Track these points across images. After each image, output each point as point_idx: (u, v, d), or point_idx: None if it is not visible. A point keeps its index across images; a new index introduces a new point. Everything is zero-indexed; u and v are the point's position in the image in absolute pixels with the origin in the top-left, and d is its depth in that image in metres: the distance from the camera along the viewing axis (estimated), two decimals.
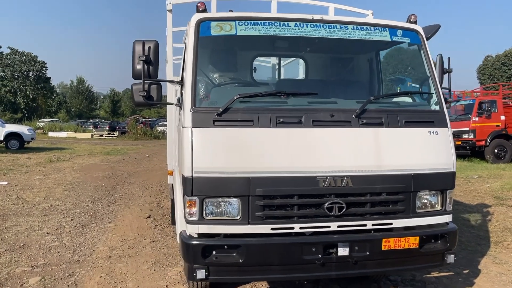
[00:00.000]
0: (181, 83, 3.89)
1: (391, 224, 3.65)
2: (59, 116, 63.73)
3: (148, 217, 7.97)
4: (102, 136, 42.84)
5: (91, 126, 49.15)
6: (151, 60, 3.63)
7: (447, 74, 4.25)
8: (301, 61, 6.23)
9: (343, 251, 3.47)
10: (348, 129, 3.58)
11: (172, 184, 5.73)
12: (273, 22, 3.80)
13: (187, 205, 3.42)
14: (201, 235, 3.44)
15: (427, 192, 3.77)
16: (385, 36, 4.01)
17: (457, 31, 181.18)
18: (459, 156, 17.45)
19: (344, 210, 3.50)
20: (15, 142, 22.88)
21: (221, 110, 3.41)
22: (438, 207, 3.81)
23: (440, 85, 4.05)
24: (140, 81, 3.60)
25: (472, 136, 17.81)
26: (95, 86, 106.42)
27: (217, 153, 3.39)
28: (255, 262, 3.40)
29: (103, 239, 6.44)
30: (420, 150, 3.72)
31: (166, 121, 8.81)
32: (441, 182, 3.77)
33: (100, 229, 7.04)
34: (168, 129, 6.48)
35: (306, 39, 3.90)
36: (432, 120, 3.81)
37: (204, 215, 3.40)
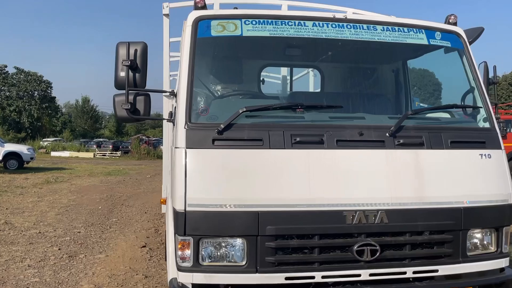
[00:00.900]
0: (174, 94, 3.22)
1: (436, 271, 2.94)
2: (64, 135, 63.76)
3: (144, 246, 7.31)
4: (105, 155, 42.55)
5: (94, 146, 48.90)
6: (138, 66, 2.98)
7: (492, 85, 3.59)
8: (311, 74, 5.59)
9: None
10: (382, 151, 2.90)
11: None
12: (286, 21, 3.15)
13: (179, 246, 2.72)
14: (196, 286, 2.72)
15: (479, 230, 3.06)
16: (421, 39, 3.36)
17: None
18: None
19: (378, 254, 2.79)
20: (14, 162, 22.67)
21: (222, 126, 2.75)
22: (492, 249, 3.11)
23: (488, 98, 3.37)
24: (124, 91, 2.95)
25: None
26: (100, 106, 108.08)
27: (217, 180, 2.72)
28: None
29: (90, 274, 5.70)
30: (471, 177, 3.03)
31: None
32: (495, 218, 3.09)
33: (88, 261, 6.34)
34: (163, 150, 5.79)
35: (327, 41, 3.23)
36: (483, 140, 3.13)
37: (200, 260, 2.71)
